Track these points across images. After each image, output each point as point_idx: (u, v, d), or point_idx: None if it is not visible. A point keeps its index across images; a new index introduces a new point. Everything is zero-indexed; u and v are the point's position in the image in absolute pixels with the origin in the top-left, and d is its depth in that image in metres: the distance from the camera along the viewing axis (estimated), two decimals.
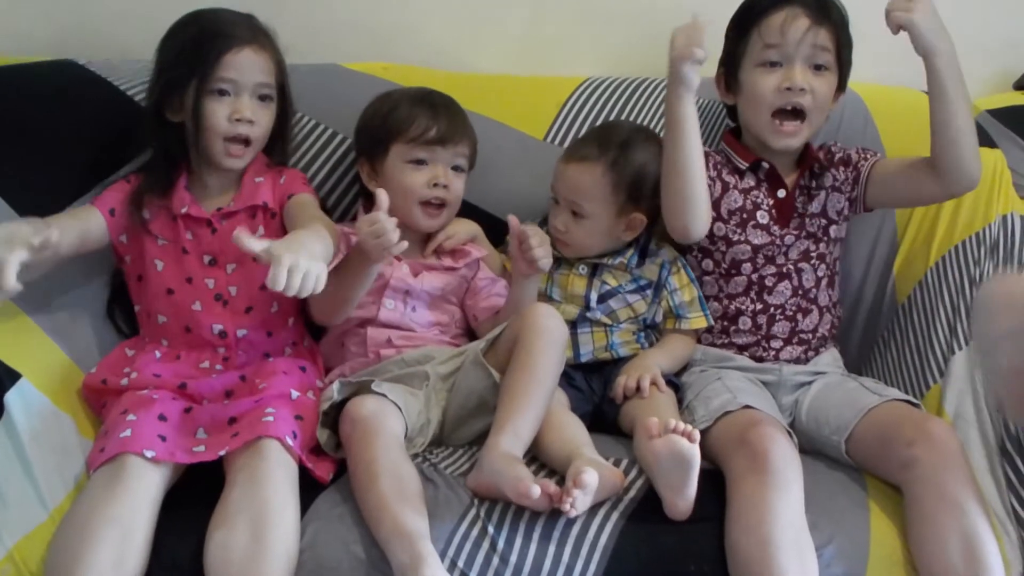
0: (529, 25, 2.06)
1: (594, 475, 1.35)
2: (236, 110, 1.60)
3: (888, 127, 1.92)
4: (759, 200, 1.74)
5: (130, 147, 1.72)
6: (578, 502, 1.34)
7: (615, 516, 1.40)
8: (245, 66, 1.60)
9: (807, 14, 1.67)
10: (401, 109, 1.71)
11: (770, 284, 1.73)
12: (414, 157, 1.69)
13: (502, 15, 2.05)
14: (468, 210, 1.83)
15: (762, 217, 1.73)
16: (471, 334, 1.78)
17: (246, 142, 1.63)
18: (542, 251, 1.60)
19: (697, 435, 1.35)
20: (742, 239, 1.73)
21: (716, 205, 1.73)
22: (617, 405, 1.67)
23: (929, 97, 1.62)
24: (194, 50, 1.59)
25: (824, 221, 1.75)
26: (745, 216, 1.73)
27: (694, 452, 1.35)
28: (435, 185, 1.69)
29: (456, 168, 1.72)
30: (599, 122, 1.89)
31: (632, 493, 1.44)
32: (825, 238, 1.75)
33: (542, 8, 2.06)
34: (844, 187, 1.76)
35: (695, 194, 1.63)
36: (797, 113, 1.68)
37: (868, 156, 1.76)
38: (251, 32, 1.63)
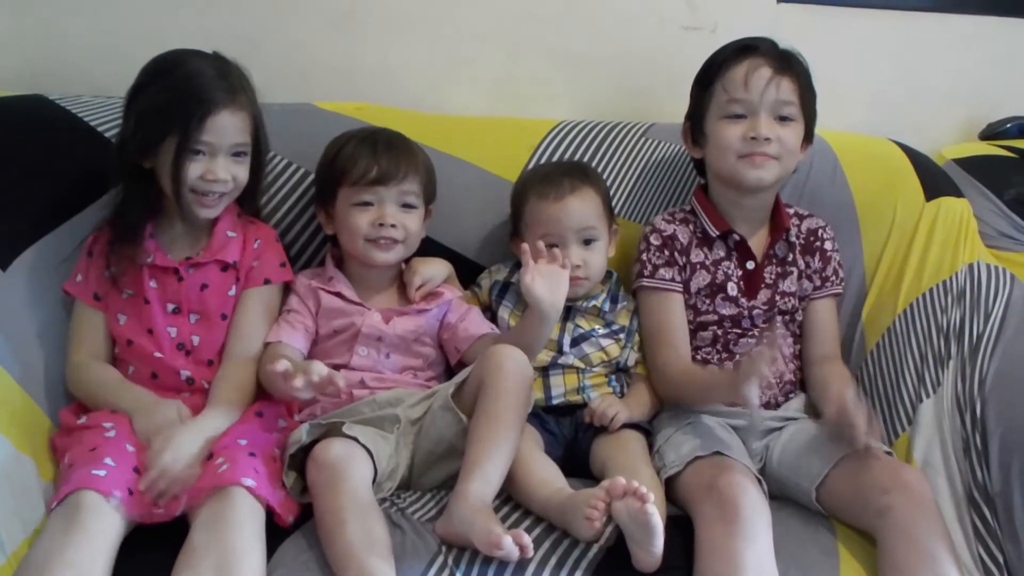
0: (503, 68, 2.07)
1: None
2: (209, 170, 1.59)
3: (856, 175, 1.94)
4: (729, 271, 1.75)
5: (98, 183, 1.70)
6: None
7: (584, 565, 1.38)
8: (222, 129, 1.59)
9: (769, 64, 1.69)
10: (344, 152, 1.71)
11: (733, 339, 1.75)
12: (359, 199, 1.69)
13: (477, 57, 2.06)
14: (439, 252, 1.82)
15: (731, 289, 1.75)
16: (447, 373, 1.77)
17: (220, 195, 1.62)
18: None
19: (651, 497, 1.32)
20: (710, 310, 1.74)
21: (685, 285, 1.75)
22: (587, 449, 1.66)
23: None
24: (175, 110, 1.56)
25: (795, 302, 1.77)
26: (714, 289, 1.75)
27: (650, 514, 1.32)
28: (380, 225, 1.68)
29: (406, 206, 1.71)
30: None
31: (600, 541, 1.42)
32: (795, 315, 1.78)
33: (517, 51, 2.07)
34: (814, 278, 1.78)
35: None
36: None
37: (836, 283, 1.79)
38: (229, 93, 1.60)
